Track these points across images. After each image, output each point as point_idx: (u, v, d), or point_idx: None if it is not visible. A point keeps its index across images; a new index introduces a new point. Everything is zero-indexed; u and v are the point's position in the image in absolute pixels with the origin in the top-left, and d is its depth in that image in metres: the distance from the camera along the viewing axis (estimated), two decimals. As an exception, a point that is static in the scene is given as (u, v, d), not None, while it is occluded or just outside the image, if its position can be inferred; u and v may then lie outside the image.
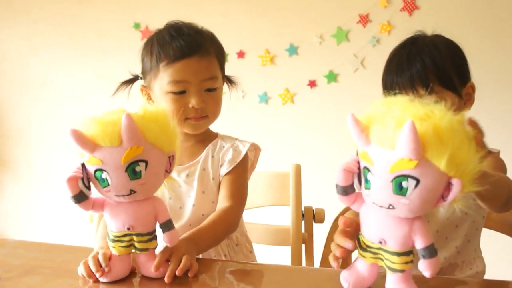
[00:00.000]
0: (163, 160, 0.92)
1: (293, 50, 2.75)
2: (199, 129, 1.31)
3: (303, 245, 1.55)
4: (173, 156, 0.94)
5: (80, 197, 0.89)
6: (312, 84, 2.74)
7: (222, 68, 1.32)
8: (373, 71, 2.64)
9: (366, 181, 0.76)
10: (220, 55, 1.31)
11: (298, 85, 2.76)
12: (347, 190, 0.80)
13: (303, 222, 1.55)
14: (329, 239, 1.46)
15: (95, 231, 1.41)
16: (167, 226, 0.96)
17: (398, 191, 0.71)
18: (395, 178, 0.71)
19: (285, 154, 2.70)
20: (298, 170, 1.55)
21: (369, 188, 0.76)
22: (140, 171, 0.88)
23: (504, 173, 1.20)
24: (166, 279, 0.93)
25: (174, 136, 0.93)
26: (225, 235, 1.24)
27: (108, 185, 0.88)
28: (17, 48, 3.31)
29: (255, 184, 1.43)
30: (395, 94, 1.21)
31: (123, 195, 0.90)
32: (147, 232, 0.95)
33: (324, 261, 1.39)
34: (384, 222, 0.78)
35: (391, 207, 0.73)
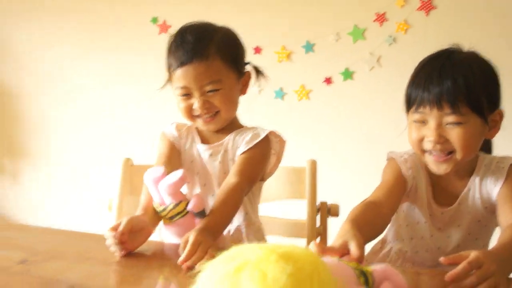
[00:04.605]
0: None
1: (309, 47, 2.77)
2: (213, 128, 1.38)
3: (318, 238, 1.57)
4: None
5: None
6: (328, 81, 2.76)
7: (232, 66, 1.34)
8: (389, 69, 2.65)
9: None
10: (228, 54, 1.33)
11: (314, 82, 2.79)
12: None
13: (318, 216, 1.58)
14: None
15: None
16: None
17: None
18: None
19: (300, 150, 2.72)
20: (314, 165, 1.57)
21: None
22: None
23: None
24: (180, 263, 1.01)
25: None
26: (235, 213, 1.26)
27: None
28: (34, 41, 3.36)
29: (272, 178, 1.46)
30: (419, 111, 1.20)
31: None
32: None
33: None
34: None
35: None
